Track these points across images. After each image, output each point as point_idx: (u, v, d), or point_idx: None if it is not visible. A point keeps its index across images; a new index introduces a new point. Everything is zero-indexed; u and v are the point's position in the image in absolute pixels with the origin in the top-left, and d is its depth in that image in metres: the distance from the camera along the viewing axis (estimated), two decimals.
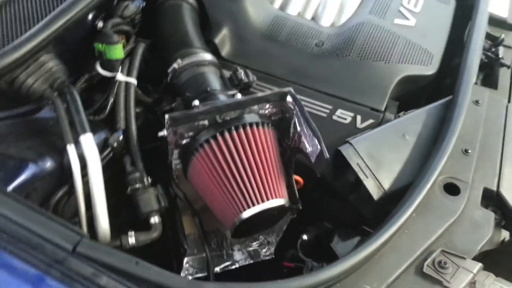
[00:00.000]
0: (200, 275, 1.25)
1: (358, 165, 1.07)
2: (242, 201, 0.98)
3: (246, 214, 0.97)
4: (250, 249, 1.36)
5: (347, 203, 1.17)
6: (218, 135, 1.00)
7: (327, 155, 0.96)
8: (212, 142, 1.00)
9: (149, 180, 1.07)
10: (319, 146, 0.98)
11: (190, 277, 1.23)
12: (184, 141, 1.03)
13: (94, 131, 1.06)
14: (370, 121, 1.25)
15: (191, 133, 1.02)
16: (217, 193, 1.01)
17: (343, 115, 1.26)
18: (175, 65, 1.17)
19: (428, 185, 1.01)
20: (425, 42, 1.40)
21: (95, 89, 1.18)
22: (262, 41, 1.37)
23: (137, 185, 1.03)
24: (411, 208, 0.97)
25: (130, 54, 1.19)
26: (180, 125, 0.99)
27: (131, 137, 1.09)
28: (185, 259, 1.17)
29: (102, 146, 1.08)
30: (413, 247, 0.93)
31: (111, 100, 1.11)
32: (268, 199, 0.98)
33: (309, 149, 1.03)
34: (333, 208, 1.21)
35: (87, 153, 0.98)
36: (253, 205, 0.97)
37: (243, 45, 1.36)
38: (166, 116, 0.96)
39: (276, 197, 0.99)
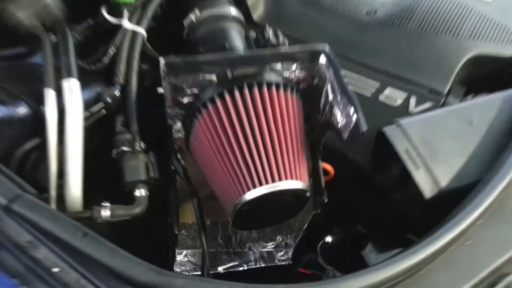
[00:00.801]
0: (199, 273, 1.04)
1: (407, 152, 0.82)
2: (247, 179, 0.76)
3: (251, 194, 0.75)
4: (264, 250, 1.13)
5: (387, 202, 0.91)
6: (226, 93, 0.79)
7: (363, 127, 0.73)
8: (218, 102, 0.79)
9: (142, 146, 0.88)
10: (354, 117, 0.75)
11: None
12: (185, 99, 0.83)
13: (86, 82, 0.89)
14: (427, 104, 0.99)
15: (194, 90, 0.82)
16: (219, 167, 0.80)
17: (393, 96, 1.01)
18: (192, 17, 0.98)
19: (502, 185, 0.74)
20: (506, 19, 1.12)
21: (101, 40, 1.01)
22: (302, 5, 1.16)
23: (125, 148, 0.84)
24: (476, 213, 0.70)
25: (143, 3, 1.02)
26: (181, 75, 0.79)
27: (130, 94, 0.91)
28: (177, 251, 0.96)
29: (93, 101, 0.91)
30: (477, 265, 0.66)
31: (113, 49, 0.94)
32: (281, 179, 0.75)
33: (341, 122, 0.80)
34: (368, 207, 0.96)
35: (67, 100, 0.81)
36: (261, 184, 0.75)
37: (280, 8, 1.16)
38: (161, 61, 0.77)
39: (291, 178, 0.76)
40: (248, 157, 0.76)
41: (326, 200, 0.87)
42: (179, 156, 0.92)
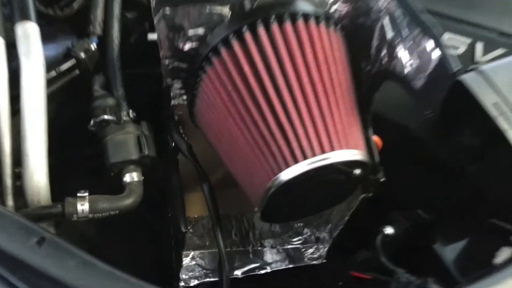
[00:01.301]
0: (212, 279, 0.81)
1: (496, 107, 0.59)
2: (284, 151, 0.53)
3: (290, 172, 0.52)
4: (289, 247, 0.90)
5: (458, 179, 0.69)
6: (245, 31, 0.56)
7: (453, 65, 0.50)
8: (236, 44, 0.56)
9: (131, 114, 0.64)
10: (435, 54, 0.52)
11: (195, 282, 0.80)
12: (187, 45, 0.60)
13: (51, 34, 0.66)
14: (499, 51, 0.76)
15: (199, 30, 0.59)
16: (242, 138, 0.57)
17: (454, 42, 0.78)
18: None
19: None
20: None
21: None
22: None
23: (107, 117, 0.61)
24: None
25: None
26: (180, 8, 0.56)
27: (110, 48, 0.68)
28: (184, 252, 0.74)
29: (62, 58, 0.67)
30: None
31: None
32: (333, 149, 0.53)
33: (410, 66, 0.57)
34: (435, 187, 0.73)
35: (22, 51, 0.57)
36: (305, 157, 0.52)
37: None
38: None
39: (345, 148, 0.53)
40: (285, 120, 0.53)
41: (382, 179, 0.64)
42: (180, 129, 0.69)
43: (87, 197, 0.54)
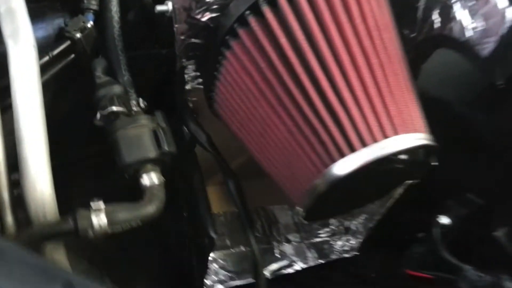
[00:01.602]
0: (238, 282, 0.73)
1: None
2: (336, 138, 0.44)
3: (347, 164, 0.43)
4: (317, 240, 0.83)
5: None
6: None
7: None
8: (267, 11, 0.46)
9: (142, 104, 0.55)
10: (508, 14, 0.44)
11: (219, 287, 0.72)
12: (206, 16, 0.50)
13: (40, 12, 0.55)
14: None
15: None
16: (279, 125, 0.48)
17: None
18: None
19: None
20: None
21: None
22: None
23: (115, 108, 0.51)
24: None
25: None
26: None
27: (110, 25, 0.57)
28: (212, 255, 0.65)
29: (54, 39, 0.56)
30: None
31: None
32: (397, 133, 0.44)
33: (472, 29, 0.48)
34: (483, 169, 0.65)
35: (6, 31, 0.46)
36: (363, 144, 0.43)
37: None
38: None
39: (413, 131, 0.45)
40: (335, 100, 0.44)
41: (435, 163, 0.56)
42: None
43: (102, 207, 0.44)
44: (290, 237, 0.82)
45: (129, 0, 0.64)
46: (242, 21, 0.48)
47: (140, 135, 0.50)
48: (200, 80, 0.58)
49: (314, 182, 0.46)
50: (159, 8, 0.51)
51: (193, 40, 0.52)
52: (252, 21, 0.47)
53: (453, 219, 0.58)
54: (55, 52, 0.54)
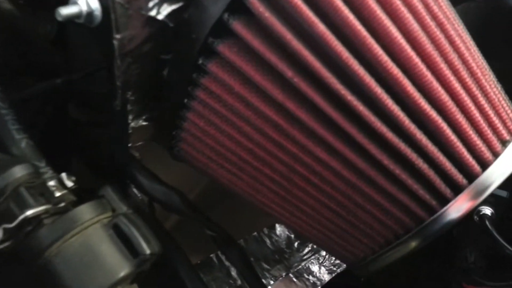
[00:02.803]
0: None
1: None
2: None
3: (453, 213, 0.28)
4: (302, 265, 0.69)
5: None
6: None
7: None
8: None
9: (68, 180, 0.31)
10: None
11: None
12: (163, 13, 0.28)
13: None
14: None
15: None
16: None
17: None
18: None
19: None
20: None
21: None
22: None
23: (31, 211, 0.27)
24: None
25: None
26: None
27: None
28: None
29: None
30: None
31: None
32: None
33: None
34: None
35: None
36: (470, 179, 0.28)
37: None
38: None
39: None
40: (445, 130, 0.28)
41: None
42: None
43: None
44: (275, 272, 0.65)
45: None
46: (234, 8, 0.28)
47: (93, 246, 0.27)
48: (149, 115, 0.36)
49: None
50: (66, 11, 0.27)
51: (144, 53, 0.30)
52: (255, 3, 0.27)
53: (496, 208, 0.47)
54: None
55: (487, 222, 0.47)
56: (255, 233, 0.68)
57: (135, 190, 0.39)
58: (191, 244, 0.61)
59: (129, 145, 0.37)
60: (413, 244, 0.30)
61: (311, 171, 0.30)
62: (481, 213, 0.48)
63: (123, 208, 0.30)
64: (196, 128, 0.34)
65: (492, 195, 0.49)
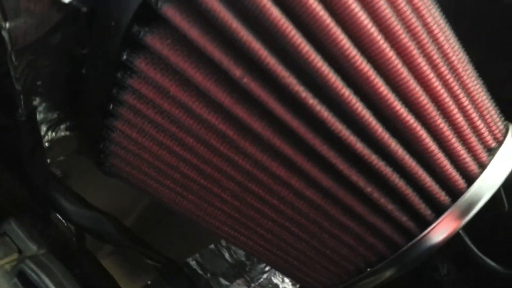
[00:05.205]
0: None
1: None
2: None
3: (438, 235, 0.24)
4: (264, 277, 0.64)
5: None
6: None
7: None
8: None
9: None
10: None
11: None
12: None
13: None
14: None
15: None
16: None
17: None
18: None
19: None
20: None
21: None
22: None
23: None
24: None
25: None
26: None
27: None
28: None
29: None
30: None
31: None
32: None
33: None
34: None
35: None
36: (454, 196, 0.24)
37: None
38: None
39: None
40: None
41: None
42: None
43: None
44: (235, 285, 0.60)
45: None
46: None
47: None
48: (70, 123, 0.29)
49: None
50: None
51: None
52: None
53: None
54: None
55: (460, 231, 0.44)
56: (212, 246, 0.62)
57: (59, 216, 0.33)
58: (136, 265, 0.55)
59: (48, 161, 0.31)
60: (388, 273, 0.25)
61: (267, 190, 0.25)
62: None
63: (32, 248, 0.24)
64: (127, 140, 0.28)
65: None
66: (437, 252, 0.47)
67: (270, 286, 0.62)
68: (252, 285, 0.62)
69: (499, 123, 0.26)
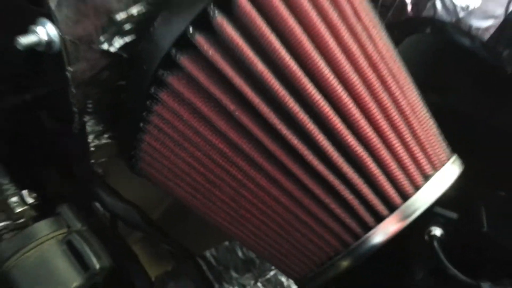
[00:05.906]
0: None
1: None
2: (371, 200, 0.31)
3: (388, 228, 0.31)
4: (271, 274, 0.71)
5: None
6: None
7: None
8: (221, 20, 0.30)
9: (29, 197, 0.33)
10: None
11: None
12: (115, 45, 0.31)
13: None
14: None
15: (136, 9, 0.30)
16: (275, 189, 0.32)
17: None
18: None
19: None
20: None
21: None
22: None
23: None
24: None
25: None
26: None
27: None
28: None
29: None
30: None
31: None
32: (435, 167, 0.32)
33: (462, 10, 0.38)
34: None
35: None
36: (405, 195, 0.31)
37: None
38: None
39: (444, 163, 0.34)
40: (351, 141, 0.30)
41: None
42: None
43: None
44: (243, 281, 0.67)
45: None
46: (182, 44, 0.30)
47: (47, 260, 0.30)
48: (112, 133, 0.38)
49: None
50: (25, 40, 0.30)
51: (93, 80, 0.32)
52: (201, 40, 0.30)
53: (446, 228, 0.50)
54: None
55: (435, 243, 0.50)
56: (227, 242, 0.70)
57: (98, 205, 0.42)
58: (160, 253, 0.64)
59: (92, 161, 0.40)
60: (345, 264, 0.32)
61: (254, 196, 0.33)
62: (431, 234, 0.51)
63: (77, 225, 0.33)
64: (152, 149, 0.36)
65: (442, 216, 0.52)
66: (417, 259, 0.52)
67: (276, 282, 0.69)
68: (260, 279, 0.69)
69: (442, 155, 0.33)
